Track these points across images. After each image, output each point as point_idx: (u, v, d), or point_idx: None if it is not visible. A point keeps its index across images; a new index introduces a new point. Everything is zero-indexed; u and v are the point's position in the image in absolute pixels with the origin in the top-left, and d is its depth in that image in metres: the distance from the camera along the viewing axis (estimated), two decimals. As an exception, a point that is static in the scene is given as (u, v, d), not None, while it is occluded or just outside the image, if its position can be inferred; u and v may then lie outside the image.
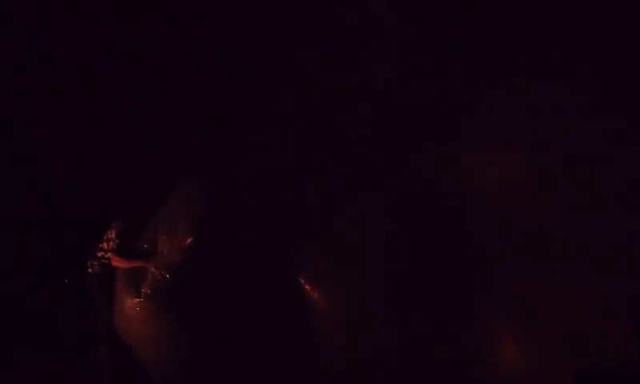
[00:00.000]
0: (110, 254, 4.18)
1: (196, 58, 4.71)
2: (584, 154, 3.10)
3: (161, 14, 4.51)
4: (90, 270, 4.27)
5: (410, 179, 3.56)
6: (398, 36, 3.87)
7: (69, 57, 4.47)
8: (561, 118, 3.20)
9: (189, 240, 3.87)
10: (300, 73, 4.22)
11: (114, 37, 4.53)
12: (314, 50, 4.14)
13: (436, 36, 3.75)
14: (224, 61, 4.65)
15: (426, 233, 3.40)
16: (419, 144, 3.64)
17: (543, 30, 3.37)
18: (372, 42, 3.97)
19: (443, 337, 3.21)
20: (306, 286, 3.58)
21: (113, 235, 4.20)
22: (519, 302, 3.09)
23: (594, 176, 3.06)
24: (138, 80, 4.69)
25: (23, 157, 4.64)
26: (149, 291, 3.88)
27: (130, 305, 3.95)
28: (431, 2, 3.86)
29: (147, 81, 4.71)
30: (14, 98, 4.44)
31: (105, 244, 4.23)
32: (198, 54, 4.70)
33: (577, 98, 3.17)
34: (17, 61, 4.34)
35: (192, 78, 4.73)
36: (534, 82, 3.32)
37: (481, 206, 3.31)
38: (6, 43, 4.23)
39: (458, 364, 3.18)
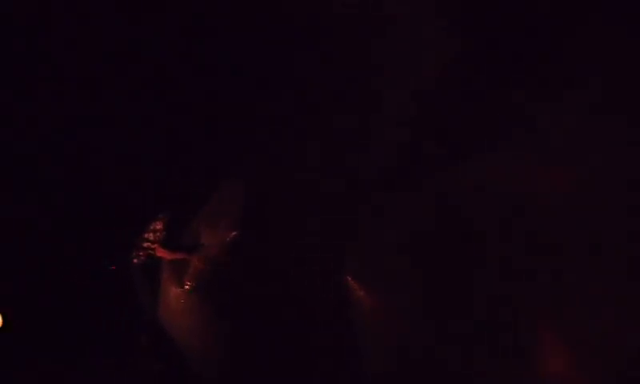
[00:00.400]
0: (155, 245, 4.28)
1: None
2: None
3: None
4: (135, 260, 4.33)
5: (447, 181, 3.56)
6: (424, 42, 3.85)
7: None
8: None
9: (231, 235, 3.98)
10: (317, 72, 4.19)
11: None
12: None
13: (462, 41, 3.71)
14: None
15: (464, 234, 3.38)
16: (451, 146, 3.62)
17: (564, 40, 3.35)
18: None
19: (478, 338, 3.19)
20: (351, 284, 3.61)
21: (159, 226, 4.26)
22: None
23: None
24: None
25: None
26: (191, 282, 4.08)
27: (174, 295, 4.17)
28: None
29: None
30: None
31: (151, 235, 4.32)
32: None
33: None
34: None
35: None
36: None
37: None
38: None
39: (496, 365, 3.14)
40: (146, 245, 4.38)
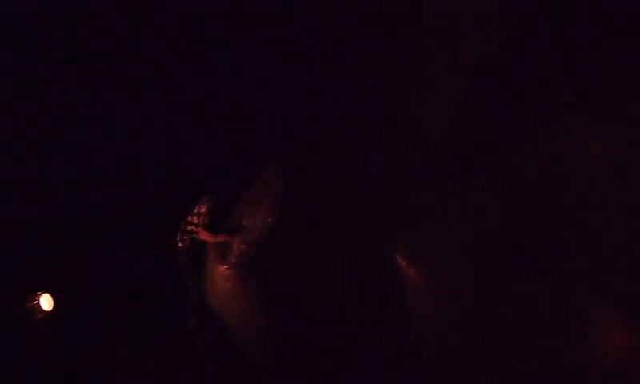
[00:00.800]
0: (199, 229, 4.43)
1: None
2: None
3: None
4: (180, 244, 4.48)
5: (498, 165, 3.53)
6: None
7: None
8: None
9: (269, 219, 4.16)
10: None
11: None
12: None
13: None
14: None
15: (523, 223, 3.33)
16: (511, 131, 3.60)
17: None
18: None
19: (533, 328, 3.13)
20: (402, 262, 3.62)
21: (203, 210, 4.45)
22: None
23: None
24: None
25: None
26: (234, 264, 4.25)
27: (218, 277, 4.33)
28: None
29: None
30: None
31: (194, 218, 4.46)
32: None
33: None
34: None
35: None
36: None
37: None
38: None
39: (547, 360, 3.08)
40: (189, 228, 4.48)
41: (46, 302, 4.42)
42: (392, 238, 3.75)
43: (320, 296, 3.87)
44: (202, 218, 4.46)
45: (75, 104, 4.62)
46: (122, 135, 4.77)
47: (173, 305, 4.71)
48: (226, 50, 4.65)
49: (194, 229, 4.47)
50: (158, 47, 4.61)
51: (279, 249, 4.06)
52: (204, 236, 4.44)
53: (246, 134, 4.71)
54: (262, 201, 4.31)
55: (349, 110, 4.25)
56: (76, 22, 4.40)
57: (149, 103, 4.72)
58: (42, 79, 4.46)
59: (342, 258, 3.87)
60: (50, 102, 4.53)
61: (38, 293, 4.39)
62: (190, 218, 4.52)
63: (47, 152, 4.68)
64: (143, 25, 4.50)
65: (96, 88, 4.62)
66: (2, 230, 4.52)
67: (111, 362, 4.47)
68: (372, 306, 3.71)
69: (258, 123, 4.64)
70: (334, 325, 3.79)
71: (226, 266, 4.31)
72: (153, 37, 4.55)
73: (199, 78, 4.76)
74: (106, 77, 4.61)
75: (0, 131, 4.47)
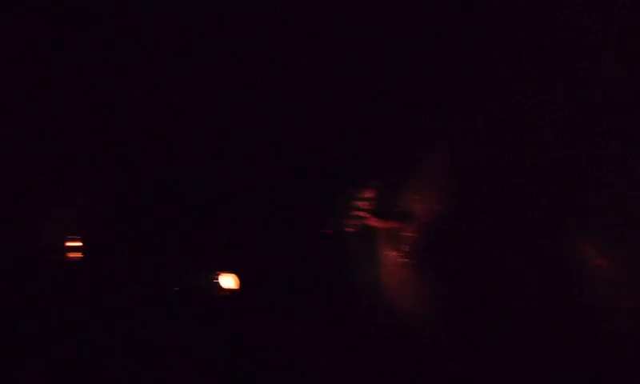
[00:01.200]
0: (368, 215, 4.45)
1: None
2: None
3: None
4: (350, 229, 4.53)
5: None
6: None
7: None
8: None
9: (439, 206, 4.08)
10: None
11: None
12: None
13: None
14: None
15: None
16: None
17: None
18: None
19: None
20: (589, 250, 3.53)
21: (371, 195, 4.47)
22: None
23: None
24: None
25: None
26: (404, 251, 4.24)
27: (389, 263, 4.30)
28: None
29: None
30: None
31: (363, 203, 4.49)
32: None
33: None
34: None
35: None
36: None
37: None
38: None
39: None
40: (359, 213, 4.51)
41: (227, 280, 4.63)
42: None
43: (495, 286, 3.75)
44: (370, 203, 4.50)
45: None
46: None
47: (344, 289, 4.68)
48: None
49: (364, 214, 4.51)
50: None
51: (452, 237, 3.99)
52: (373, 222, 4.48)
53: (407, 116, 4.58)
54: (431, 186, 4.27)
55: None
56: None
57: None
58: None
59: (518, 249, 3.73)
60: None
61: (220, 271, 4.61)
62: (358, 203, 4.54)
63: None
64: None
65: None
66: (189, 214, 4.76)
67: (283, 342, 4.51)
68: (545, 296, 3.58)
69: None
70: (511, 317, 3.67)
71: (398, 253, 4.33)
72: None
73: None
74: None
75: None
